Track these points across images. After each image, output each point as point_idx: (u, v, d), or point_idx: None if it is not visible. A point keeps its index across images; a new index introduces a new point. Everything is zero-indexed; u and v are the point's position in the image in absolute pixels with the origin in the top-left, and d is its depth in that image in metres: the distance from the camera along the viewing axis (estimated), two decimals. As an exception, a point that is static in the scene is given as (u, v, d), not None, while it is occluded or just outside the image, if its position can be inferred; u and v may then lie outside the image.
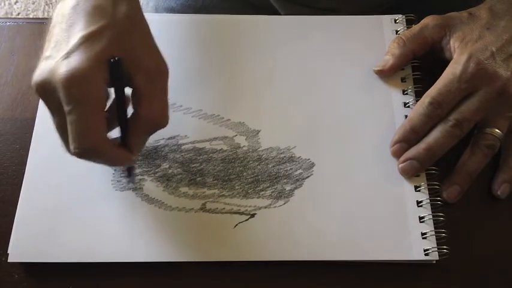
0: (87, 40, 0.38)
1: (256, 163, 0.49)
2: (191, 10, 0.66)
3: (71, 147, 0.39)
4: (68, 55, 0.38)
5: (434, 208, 0.47)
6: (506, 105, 0.48)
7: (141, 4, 0.75)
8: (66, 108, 0.38)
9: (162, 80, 0.41)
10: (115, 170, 0.48)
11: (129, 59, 0.39)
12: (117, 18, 0.40)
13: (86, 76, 0.37)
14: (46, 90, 0.38)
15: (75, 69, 0.37)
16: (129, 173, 0.47)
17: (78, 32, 0.39)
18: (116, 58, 0.38)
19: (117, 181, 0.48)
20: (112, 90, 0.41)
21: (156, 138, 0.49)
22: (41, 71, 0.39)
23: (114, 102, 0.42)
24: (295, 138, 0.50)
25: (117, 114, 0.41)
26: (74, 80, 0.37)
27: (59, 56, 0.38)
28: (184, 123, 0.50)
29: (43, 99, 0.40)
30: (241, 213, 0.47)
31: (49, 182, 0.48)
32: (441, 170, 0.48)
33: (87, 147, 0.38)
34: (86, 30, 0.38)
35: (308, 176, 0.48)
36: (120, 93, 0.40)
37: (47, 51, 0.40)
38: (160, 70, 0.41)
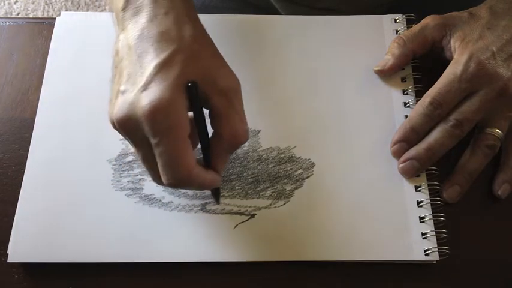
0: (161, 68, 0.37)
1: (256, 163, 0.49)
2: (191, 10, 0.65)
3: (164, 178, 0.38)
4: (146, 86, 0.37)
5: (434, 208, 0.47)
6: (507, 105, 0.48)
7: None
8: (153, 141, 0.37)
9: (238, 96, 0.40)
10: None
11: (204, 80, 0.38)
12: (185, 41, 0.39)
13: (169, 105, 0.36)
14: (129, 126, 0.37)
15: (157, 100, 0.36)
16: (216, 193, 0.46)
17: (151, 62, 0.38)
18: (193, 82, 0.38)
19: (117, 181, 0.48)
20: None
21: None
22: (119, 107, 0.38)
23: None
24: (295, 138, 0.50)
25: (198, 137, 0.41)
26: (157, 111, 0.36)
27: (136, 89, 0.37)
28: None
29: (126, 135, 0.39)
30: (241, 214, 0.47)
31: (49, 182, 0.47)
32: (441, 170, 0.48)
33: (180, 177, 0.38)
34: (159, 58, 0.38)
35: (308, 176, 0.48)
36: (199, 116, 0.39)
37: (121, 85, 0.39)
38: (235, 87, 0.40)
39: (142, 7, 0.40)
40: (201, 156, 0.42)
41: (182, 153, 0.37)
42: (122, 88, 0.38)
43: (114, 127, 0.39)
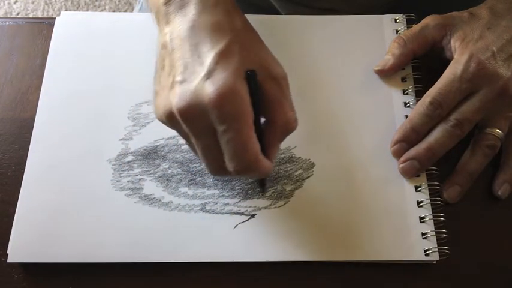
0: (222, 57, 0.38)
1: (256, 163, 0.49)
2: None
3: (231, 165, 0.38)
4: (209, 75, 0.37)
5: (434, 208, 0.47)
6: (507, 105, 0.48)
7: (141, 4, 0.75)
8: (220, 128, 0.37)
9: (287, 84, 0.41)
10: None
11: (259, 68, 0.39)
12: (238, 31, 0.40)
13: (236, 91, 0.37)
14: (193, 114, 0.37)
15: (224, 87, 0.36)
16: (264, 183, 0.46)
17: (210, 51, 0.38)
18: (251, 70, 0.38)
19: (117, 181, 0.48)
20: None
21: (156, 138, 0.49)
22: (181, 96, 0.38)
23: None
24: (295, 138, 0.49)
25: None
26: (225, 97, 0.36)
27: (198, 78, 0.37)
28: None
29: (188, 125, 0.38)
30: (241, 214, 0.47)
31: (49, 182, 0.47)
32: (441, 170, 0.48)
33: (248, 162, 0.38)
34: (217, 47, 0.38)
35: (308, 176, 0.48)
36: (256, 104, 0.40)
37: (177, 76, 0.39)
38: (286, 76, 0.41)
39: (189, 0, 0.41)
40: None
41: (251, 139, 0.38)
42: (178, 78, 0.38)
43: (170, 119, 0.39)
